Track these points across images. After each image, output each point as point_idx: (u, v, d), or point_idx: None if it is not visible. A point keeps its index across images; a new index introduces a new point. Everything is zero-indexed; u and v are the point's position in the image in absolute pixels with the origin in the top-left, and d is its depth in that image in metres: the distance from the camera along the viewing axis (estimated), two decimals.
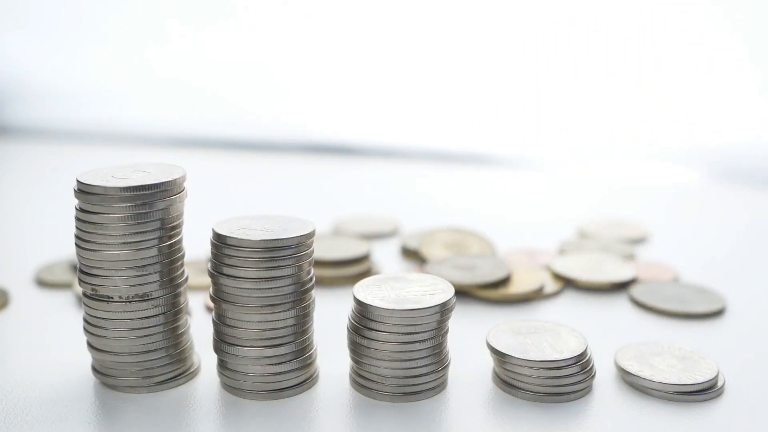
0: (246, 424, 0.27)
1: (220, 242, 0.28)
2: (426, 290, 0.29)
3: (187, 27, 0.77)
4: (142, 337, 0.28)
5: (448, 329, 0.29)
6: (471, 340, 0.32)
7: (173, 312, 0.29)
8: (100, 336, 0.28)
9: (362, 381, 0.29)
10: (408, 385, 0.28)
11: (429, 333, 0.28)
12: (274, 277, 0.27)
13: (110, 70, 0.79)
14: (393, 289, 0.29)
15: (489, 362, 0.30)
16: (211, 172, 0.61)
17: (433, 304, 0.28)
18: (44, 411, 0.28)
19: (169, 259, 0.29)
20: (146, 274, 0.28)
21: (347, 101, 0.74)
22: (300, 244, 0.28)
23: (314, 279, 0.29)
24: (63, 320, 0.36)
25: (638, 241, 0.47)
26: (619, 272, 0.40)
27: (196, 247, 0.34)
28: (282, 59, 0.75)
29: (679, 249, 0.46)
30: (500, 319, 0.34)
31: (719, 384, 0.29)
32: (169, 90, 0.78)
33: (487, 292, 0.38)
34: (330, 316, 0.33)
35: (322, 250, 0.40)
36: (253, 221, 0.29)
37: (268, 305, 0.28)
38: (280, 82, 0.75)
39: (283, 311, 0.28)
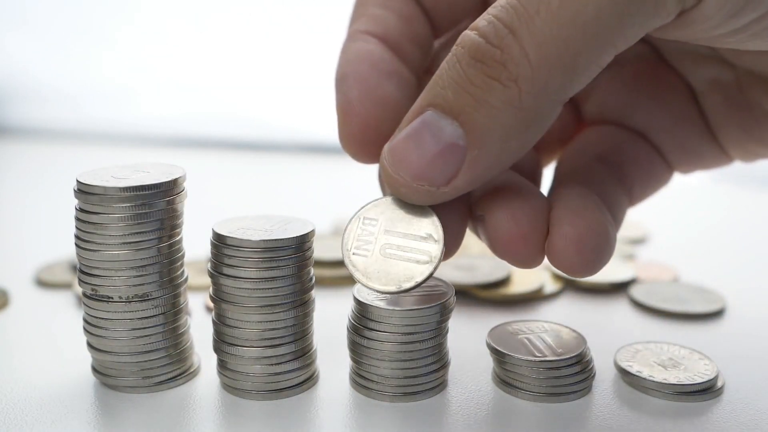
0: (246, 424, 0.27)
1: (220, 242, 0.28)
2: (426, 290, 0.29)
3: (187, 27, 0.77)
4: (142, 337, 0.28)
5: (448, 329, 0.29)
6: (471, 340, 0.32)
7: (173, 312, 0.29)
8: (100, 336, 0.28)
9: (362, 381, 0.29)
10: (408, 385, 0.28)
11: (429, 333, 0.28)
12: (274, 278, 0.27)
13: (110, 70, 0.79)
14: None
15: (489, 362, 0.30)
16: (211, 172, 0.61)
17: (433, 304, 0.28)
18: (44, 411, 0.28)
19: (169, 259, 0.29)
20: (146, 274, 0.28)
21: None
22: (300, 244, 0.28)
23: (314, 279, 0.29)
24: (63, 320, 0.36)
25: (638, 241, 0.47)
26: (619, 272, 0.40)
27: (196, 247, 0.34)
28: (282, 59, 0.75)
29: (679, 249, 0.46)
30: (500, 319, 0.34)
31: (719, 384, 0.29)
32: (169, 90, 0.78)
33: (487, 292, 0.38)
34: (330, 316, 0.33)
35: (322, 250, 0.40)
36: (253, 221, 0.29)
37: (267, 305, 0.28)
38: (279, 82, 0.75)
39: (283, 311, 0.28)
